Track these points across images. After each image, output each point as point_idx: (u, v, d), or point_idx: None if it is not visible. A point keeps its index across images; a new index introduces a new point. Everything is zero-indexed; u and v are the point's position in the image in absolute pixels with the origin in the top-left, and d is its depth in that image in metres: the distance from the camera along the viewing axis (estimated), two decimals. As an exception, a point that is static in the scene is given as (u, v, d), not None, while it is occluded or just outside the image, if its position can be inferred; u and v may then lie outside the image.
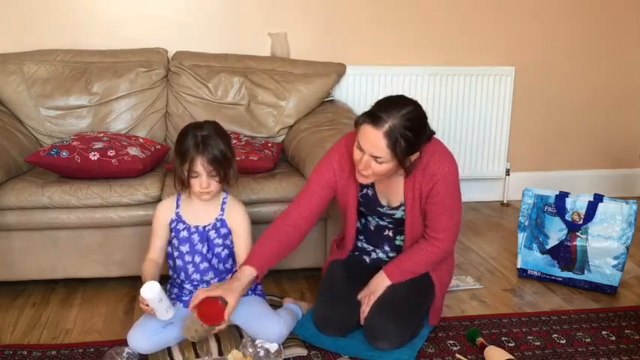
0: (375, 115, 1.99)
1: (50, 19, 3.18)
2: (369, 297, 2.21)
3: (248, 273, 2.05)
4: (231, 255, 2.22)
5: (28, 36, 3.15)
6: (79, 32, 3.21)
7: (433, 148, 2.14)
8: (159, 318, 2.04)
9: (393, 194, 2.23)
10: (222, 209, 2.20)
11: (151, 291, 1.96)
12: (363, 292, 2.25)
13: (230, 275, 2.19)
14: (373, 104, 2.05)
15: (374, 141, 1.99)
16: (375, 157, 2.01)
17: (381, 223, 2.32)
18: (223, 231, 2.19)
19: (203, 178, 2.08)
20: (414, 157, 2.06)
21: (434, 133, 2.12)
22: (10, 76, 2.95)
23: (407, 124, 1.98)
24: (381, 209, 2.26)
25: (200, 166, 2.06)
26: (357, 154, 2.06)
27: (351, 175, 2.20)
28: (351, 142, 2.14)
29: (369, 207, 2.28)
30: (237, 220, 2.20)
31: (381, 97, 2.08)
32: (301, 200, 2.23)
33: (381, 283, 2.23)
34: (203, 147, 2.05)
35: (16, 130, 2.88)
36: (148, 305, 1.99)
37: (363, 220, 2.37)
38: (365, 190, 2.26)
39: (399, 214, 2.25)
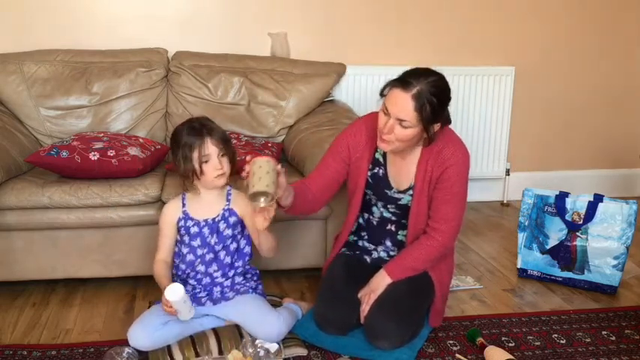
0: (404, 80, 2.07)
1: (50, 19, 3.18)
2: (370, 296, 2.21)
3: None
4: (238, 250, 2.23)
5: (28, 36, 3.15)
6: (79, 32, 3.21)
7: (449, 136, 2.20)
8: (181, 318, 2.08)
9: (404, 177, 2.25)
10: (228, 200, 2.22)
11: (175, 294, 2.00)
12: (363, 290, 2.25)
13: (232, 272, 2.22)
14: (400, 74, 2.11)
15: (402, 104, 2.04)
16: (401, 121, 2.06)
17: (385, 214, 2.33)
18: (232, 220, 2.20)
19: (215, 159, 2.11)
20: (436, 127, 2.11)
21: (450, 121, 2.19)
22: (10, 76, 2.95)
23: (433, 90, 2.05)
24: (388, 191, 2.27)
25: (211, 145, 2.11)
26: (382, 119, 2.11)
27: (366, 147, 2.25)
28: (369, 120, 2.22)
29: (377, 188, 2.29)
30: (246, 206, 2.19)
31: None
32: (313, 176, 2.30)
33: (381, 281, 2.23)
34: (207, 130, 2.12)
35: (16, 130, 2.88)
36: (171, 307, 2.02)
37: (366, 215, 2.37)
38: (376, 169, 2.28)
39: (405, 199, 2.26)
